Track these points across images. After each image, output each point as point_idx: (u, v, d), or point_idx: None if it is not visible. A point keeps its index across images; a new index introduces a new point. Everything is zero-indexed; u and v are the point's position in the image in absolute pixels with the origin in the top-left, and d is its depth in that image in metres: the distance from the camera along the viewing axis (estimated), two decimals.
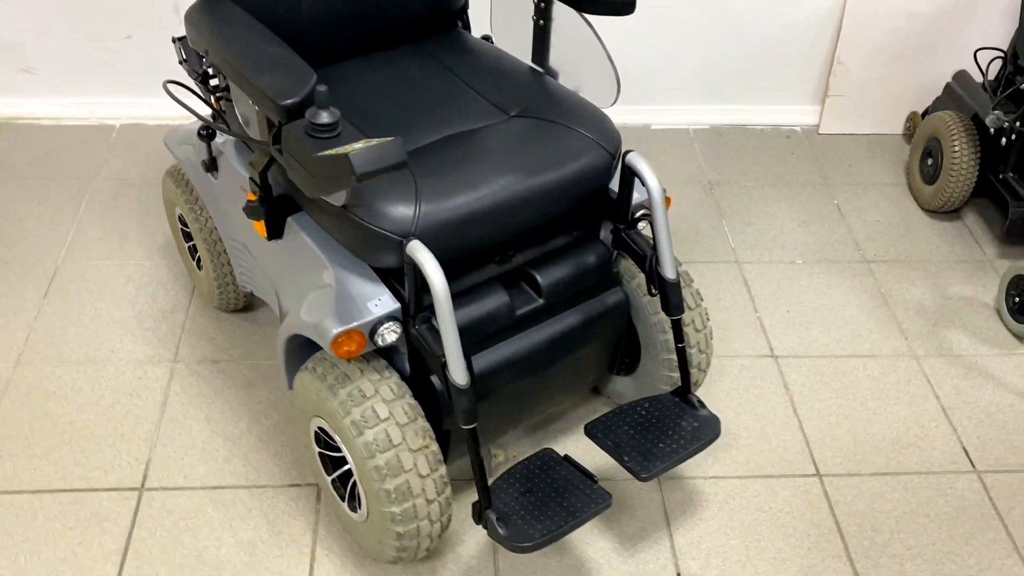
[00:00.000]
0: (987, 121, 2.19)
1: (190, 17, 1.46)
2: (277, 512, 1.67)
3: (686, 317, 1.67)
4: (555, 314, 1.58)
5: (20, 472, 1.71)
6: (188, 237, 1.97)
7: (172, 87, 1.48)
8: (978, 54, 2.36)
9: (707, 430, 1.58)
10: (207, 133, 1.60)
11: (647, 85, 2.66)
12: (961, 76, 2.42)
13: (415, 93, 1.62)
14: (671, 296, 1.55)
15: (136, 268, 2.15)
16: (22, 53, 2.49)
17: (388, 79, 1.65)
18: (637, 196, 1.62)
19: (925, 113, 2.58)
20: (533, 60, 1.75)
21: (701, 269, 2.24)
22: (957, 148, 2.28)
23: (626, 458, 1.54)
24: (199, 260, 1.95)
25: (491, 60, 1.72)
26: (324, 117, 1.19)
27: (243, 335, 1.99)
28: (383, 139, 1.14)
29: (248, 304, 2.02)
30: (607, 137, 1.53)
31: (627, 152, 1.52)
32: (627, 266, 1.68)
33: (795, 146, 2.67)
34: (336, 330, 1.36)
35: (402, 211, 1.35)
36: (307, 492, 1.70)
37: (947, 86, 2.47)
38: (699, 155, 2.61)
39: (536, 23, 1.70)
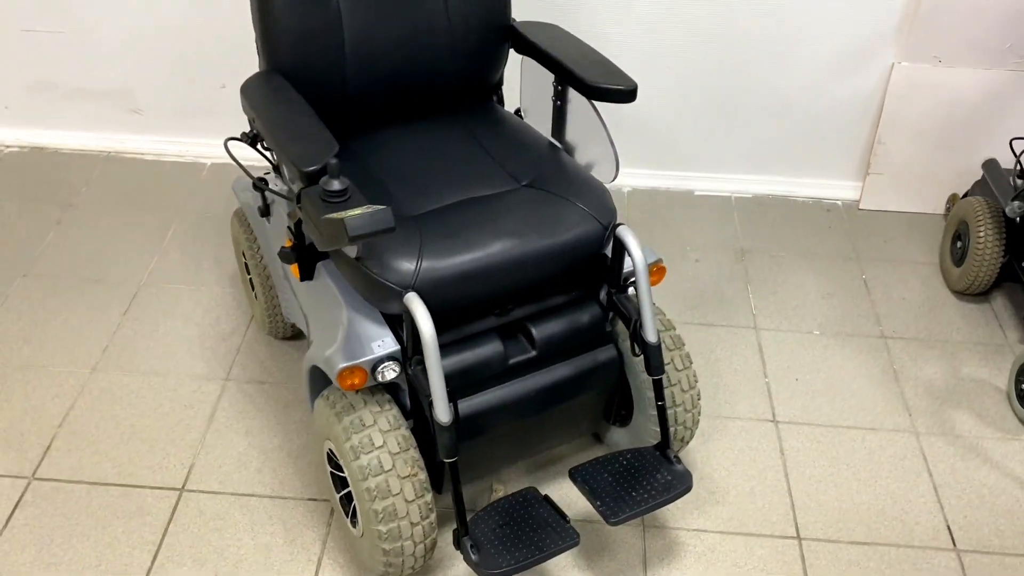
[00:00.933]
0: (1007, 210, 2.25)
1: (244, 89, 1.70)
2: (294, 522, 1.87)
3: (672, 378, 1.81)
4: (547, 365, 1.74)
5: (83, 465, 1.97)
6: (248, 270, 2.22)
7: (231, 144, 1.73)
8: (1013, 143, 2.43)
9: (678, 483, 1.72)
10: (260, 184, 1.84)
11: (694, 153, 2.80)
12: (991, 164, 2.48)
13: (442, 160, 1.82)
14: (651, 358, 1.70)
15: (206, 293, 2.42)
16: (132, 96, 2.83)
17: (421, 145, 1.86)
18: (630, 264, 1.78)
19: (965, 195, 2.64)
20: (553, 135, 1.93)
21: (719, 331, 2.36)
22: (982, 233, 2.34)
23: (599, 503, 1.68)
24: (256, 291, 2.20)
25: (515, 133, 1.91)
26: (335, 185, 1.41)
27: (288, 361, 2.23)
28: (377, 207, 1.35)
29: (296, 333, 2.25)
30: (602, 211, 1.69)
31: (618, 225, 1.69)
32: (623, 326, 1.83)
33: (834, 219, 2.76)
34: (342, 364, 1.56)
35: (405, 266, 1.55)
36: (322, 507, 1.91)
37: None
38: (736, 222, 2.74)
39: (555, 103, 1.89)
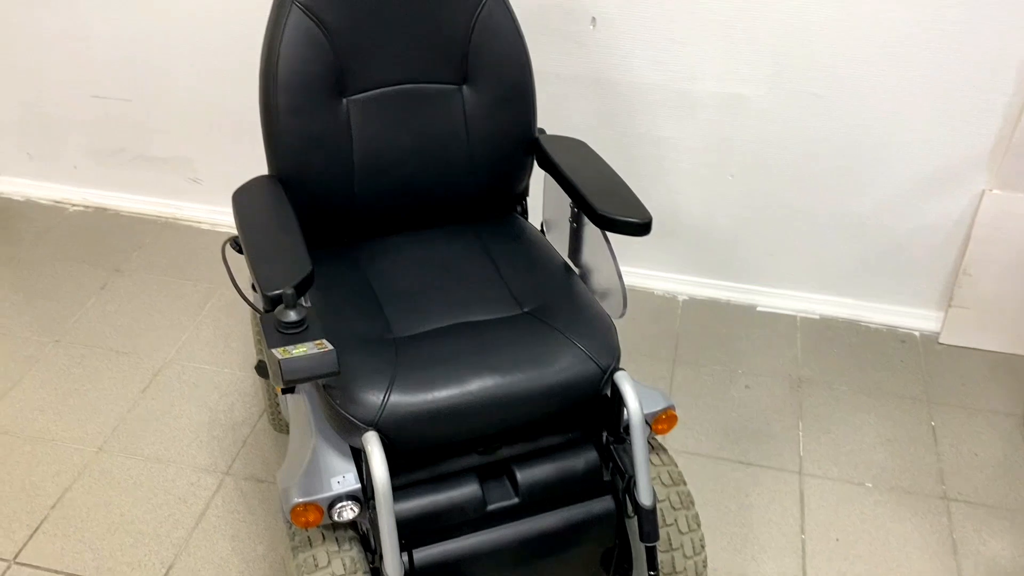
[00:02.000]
0: None
1: (235, 195, 1.64)
2: None
3: (674, 540, 1.62)
4: (532, 513, 1.59)
5: (65, 553, 1.92)
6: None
7: (229, 247, 1.66)
8: None
9: None
10: (238, 290, 1.76)
11: (758, 266, 2.61)
12: None
13: (446, 275, 1.71)
14: (644, 523, 1.52)
15: (227, 376, 2.36)
16: (192, 166, 2.84)
17: (429, 255, 1.75)
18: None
19: None
20: (569, 255, 1.80)
21: (759, 473, 2.15)
22: None
23: None
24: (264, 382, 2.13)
25: (531, 251, 1.78)
26: (291, 316, 1.31)
27: None
28: (323, 350, 1.24)
29: None
30: (602, 353, 1.54)
31: (618, 369, 1.53)
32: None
33: (907, 353, 2.50)
34: (295, 500, 1.45)
35: (371, 400, 1.43)
36: None
37: None
38: (798, 346, 2.51)
39: (571, 225, 1.76)
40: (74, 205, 3.00)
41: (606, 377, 1.54)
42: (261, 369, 1.61)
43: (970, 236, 2.38)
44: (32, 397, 2.29)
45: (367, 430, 1.41)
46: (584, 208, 1.63)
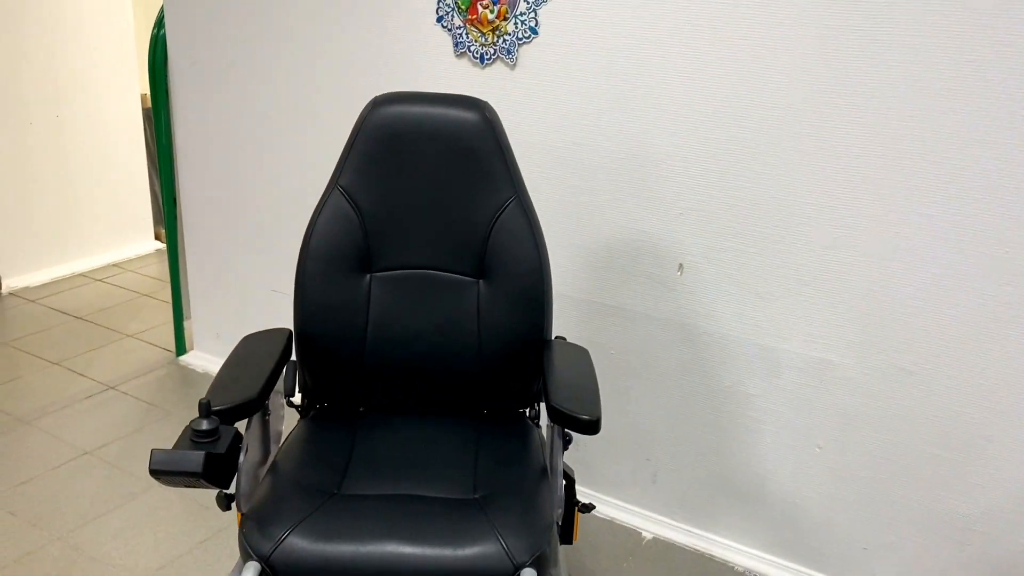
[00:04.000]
0: None
1: (244, 338, 1.81)
2: None
3: None
4: None
5: None
6: None
7: None
8: None
9: None
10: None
11: (851, 559, 2.31)
12: None
13: (424, 456, 1.73)
14: None
15: None
16: None
17: (418, 436, 1.79)
18: None
19: None
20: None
21: None
22: None
23: None
24: None
25: (517, 450, 1.76)
26: (203, 424, 1.41)
27: None
28: (193, 452, 1.32)
29: None
30: (521, 549, 1.46)
31: (522, 566, 1.44)
32: None
33: None
34: None
35: (271, 533, 1.46)
36: None
37: None
38: None
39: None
40: None
41: (515, 573, 1.45)
42: (220, 500, 1.69)
43: None
44: None
45: (253, 561, 1.43)
46: (546, 399, 1.62)
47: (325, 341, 1.83)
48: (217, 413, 1.46)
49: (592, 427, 1.53)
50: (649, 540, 2.54)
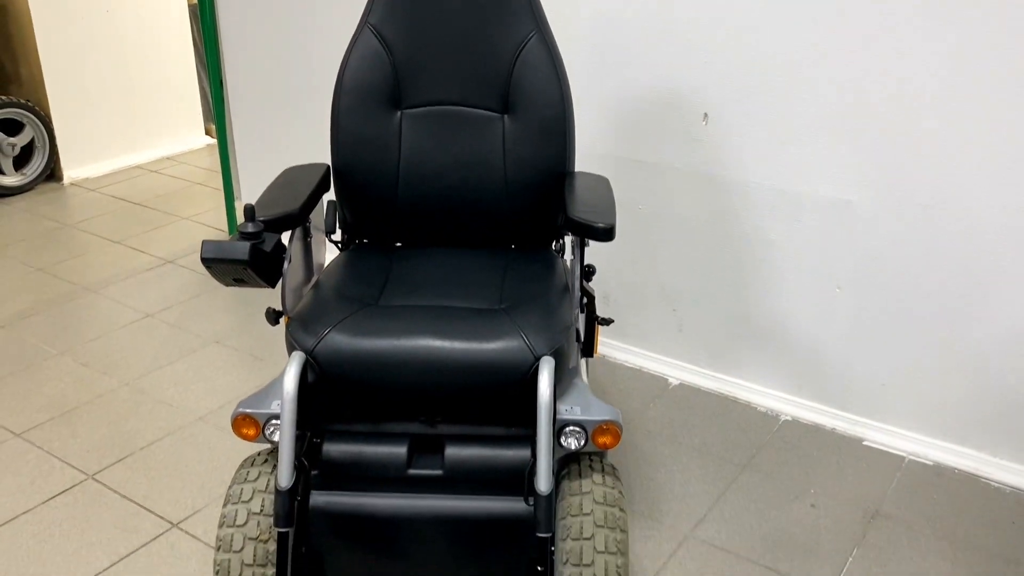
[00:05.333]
0: None
1: (286, 169, 1.94)
2: None
3: (587, 557, 1.56)
4: (454, 492, 1.62)
5: (129, 482, 2.23)
6: None
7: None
8: None
9: None
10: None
11: (870, 396, 2.41)
12: None
13: (454, 276, 1.85)
14: (538, 510, 1.50)
15: None
16: None
17: (450, 263, 1.91)
18: (578, 413, 1.63)
19: None
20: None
21: None
22: None
23: None
24: None
25: (541, 272, 1.87)
26: (248, 227, 1.55)
27: None
28: (241, 242, 1.46)
29: None
30: (540, 342, 1.58)
31: (542, 356, 1.56)
32: (565, 486, 1.64)
33: None
34: (238, 410, 1.63)
35: (314, 330, 1.60)
36: None
37: None
38: (894, 484, 2.25)
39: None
40: None
41: (535, 364, 1.58)
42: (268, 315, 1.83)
43: None
44: None
45: (298, 351, 1.58)
46: (564, 216, 1.73)
47: (360, 176, 1.95)
48: (262, 222, 1.59)
49: (607, 234, 1.63)
50: (675, 385, 2.67)
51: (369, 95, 1.92)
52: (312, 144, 3.28)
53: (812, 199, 2.32)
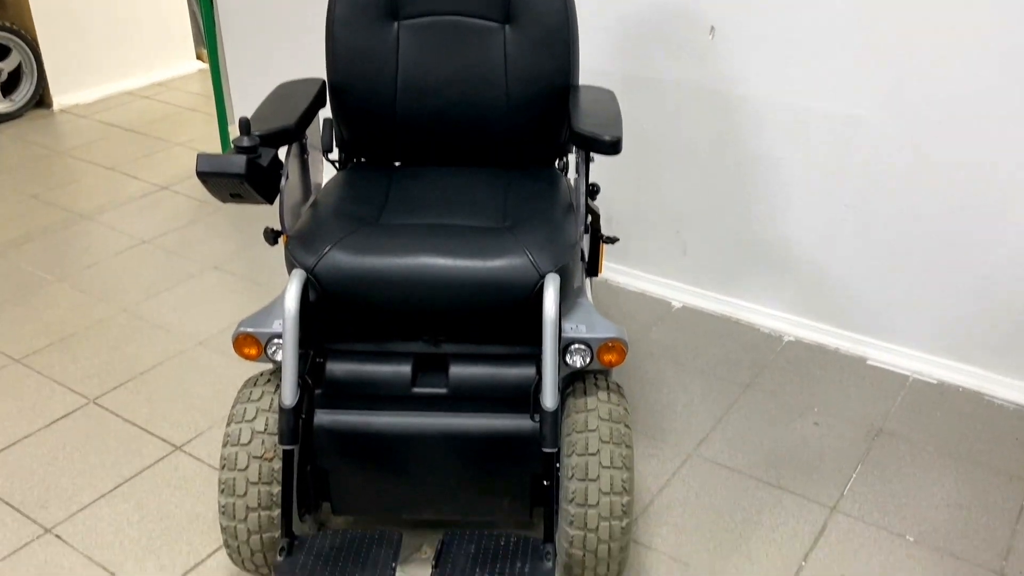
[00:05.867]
0: None
1: (281, 84, 1.89)
2: None
3: (592, 472, 1.55)
4: (459, 411, 1.61)
5: (130, 406, 2.22)
6: None
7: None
8: None
9: None
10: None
11: (875, 315, 2.39)
12: None
13: (455, 195, 1.81)
14: (543, 426, 1.49)
15: None
16: None
17: (452, 183, 1.86)
18: (583, 331, 1.60)
19: None
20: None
21: (784, 498, 1.95)
22: None
23: (436, 569, 1.49)
24: None
25: (545, 190, 1.83)
26: (244, 141, 1.50)
27: None
28: (236, 155, 1.42)
29: None
30: (545, 259, 1.55)
31: (547, 273, 1.54)
32: (570, 403, 1.63)
33: None
34: (240, 329, 1.61)
35: (315, 247, 1.57)
36: None
37: None
38: (898, 402, 2.25)
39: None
40: None
41: (540, 282, 1.55)
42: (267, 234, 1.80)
43: None
44: None
45: (298, 269, 1.55)
46: (569, 130, 1.68)
47: (357, 91, 1.89)
48: (258, 136, 1.55)
49: (614, 147, 1.59)
50: (678, 308, 2.65)
51: (366, 4, 1.86)
52: (307, 66, 3.19)
53: (821, 115, 2.26)
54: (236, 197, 1.51)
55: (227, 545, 1.60)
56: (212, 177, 1.43)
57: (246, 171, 1.43)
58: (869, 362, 2.41)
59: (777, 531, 1.87)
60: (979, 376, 2.29)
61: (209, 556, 1.79)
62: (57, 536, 1.85)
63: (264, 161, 1.49)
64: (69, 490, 1.96)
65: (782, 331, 2.53)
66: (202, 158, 1.42)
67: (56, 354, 2.42)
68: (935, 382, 2.33)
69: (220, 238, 3.02)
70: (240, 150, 1.49)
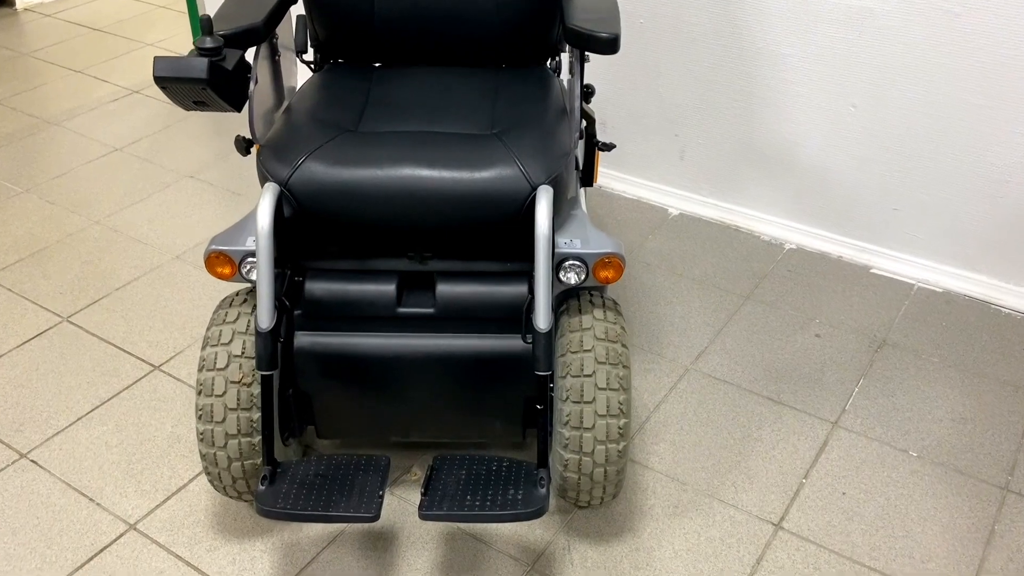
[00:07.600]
0: None
1: None
2: None
3: (588, 394, 1.48)
4: (447, 331, 1.53)
5: (107, 324, 2.13)
6: None
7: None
8: None
9: (524, 505, 1.40)
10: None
11: (880, 221, 2.30)
12: None
13: (441, 97, 1.68)
14: (536, 347, 1.41)
15: None
16: None
17: (436, 83, 1.74)
18: (578, 246, 1.51)
19: None
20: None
21: (784, 413, 1.89)
22: None
23: (426, 494, 1.42)
24: None
25: (535, 91, 1.70)
26: (207, 42, 1.37)
27: None
28: (197, 58, 1.28)
29: None
30: (538, 171, 1.44)
31: (539, 185, 1.43)
32: (564, 322, 1.55)
33: None
34: (211, 247, 1.51)
35: (289, 158, 1.45)
36: None
37: None
38: (900, 312, 2.18)
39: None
40: None
41: (532, 194, 1.44)
42: (238, 143, 1.68)
43: None
44: None
45: (271, 182, 1.44)
46: (563, 27, 1.55)
47: None
48: (221, 36, 1.41)
49: (611, 45, 1.46)
50: (675, 215, 2.55)
51: None
52: None
53: (829, 5, 2.11)
54: (200, 104, 1.38)
55: (207, 472, 1.54)
56: (172, 83, 1.30)
57: (208, 75, 1.30)
58: (873, 270, 2.32)
59: (777, 447, 1.81)
60: (987, 284, 2.22)
61: (191, 480, 1.73)
62: (33, 461, 1.79)
63: (229, 64, 1.36)
64: (44, 413, 1.89)
65: (783, 239, 2.43)
66: (160, 62, 1.29)
67: (26, 269, 2.32)
68: (941, 291, 2.25)
69: (196, 145, 2.88)
70: (202, 52, 1.35)
